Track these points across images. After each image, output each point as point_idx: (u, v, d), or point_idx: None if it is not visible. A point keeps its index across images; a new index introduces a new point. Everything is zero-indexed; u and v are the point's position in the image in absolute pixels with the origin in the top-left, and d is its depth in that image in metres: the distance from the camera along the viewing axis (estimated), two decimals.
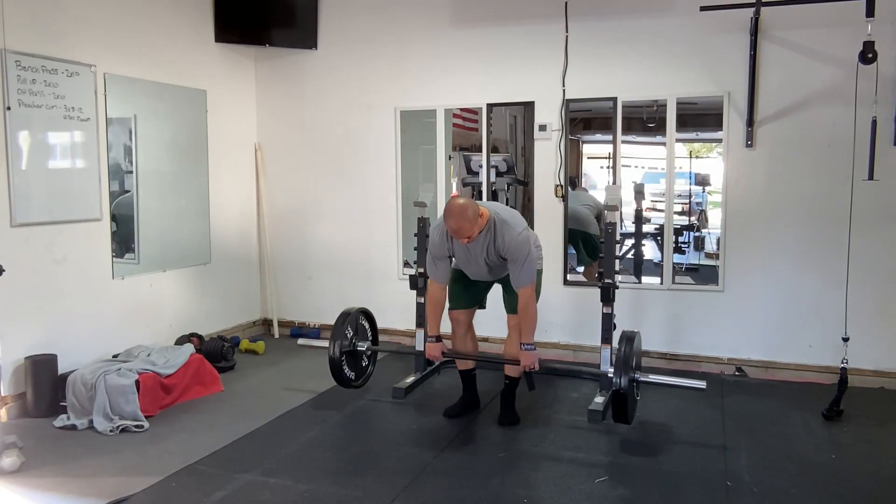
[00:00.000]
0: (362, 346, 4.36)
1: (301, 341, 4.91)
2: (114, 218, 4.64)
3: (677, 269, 5.08)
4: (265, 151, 6.00)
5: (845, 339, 3.96)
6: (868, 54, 3.87)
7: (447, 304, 4.02)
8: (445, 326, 4.15)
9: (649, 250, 5.50)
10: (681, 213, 5.31)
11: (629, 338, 3.69)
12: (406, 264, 5.57)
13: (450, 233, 3.59)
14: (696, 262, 5.40)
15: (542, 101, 5.15)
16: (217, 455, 3.50)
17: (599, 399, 4.12)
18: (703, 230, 5.55)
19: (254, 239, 6.03)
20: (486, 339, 4.73)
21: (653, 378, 3.79)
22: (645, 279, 5.31)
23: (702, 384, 3.69)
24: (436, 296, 3.86)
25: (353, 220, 5.76)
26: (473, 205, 3.53)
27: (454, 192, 5.65)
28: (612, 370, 3.77)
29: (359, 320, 4.41)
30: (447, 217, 3.53)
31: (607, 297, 4.07)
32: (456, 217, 3.48)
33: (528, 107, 5.21)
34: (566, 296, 5.16)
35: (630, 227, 5.46)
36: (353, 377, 4.31)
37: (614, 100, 4.96)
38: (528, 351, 3.71)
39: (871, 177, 3.99)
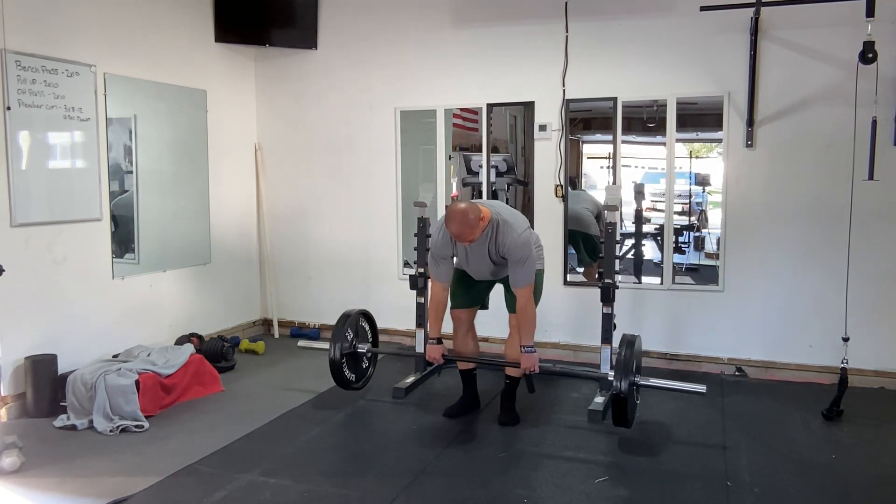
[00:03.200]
0: (363, 349, 4.36)
1: (301, 343, 4.91)
2: (114, 218, 4.64)
3: (677, 269, 5.08)
4: (265, 151, 6.00)
5: (845, 339, 3.96)
6: (868, 54, 3.87)
7: (449, 304, 4.03)
8: (447, 327, 4.15)
9: (649, 250, 5.50)
10: (681, 213, 5.31)
11: (629, 342, 3.69)
12: (406, 264, 5.57)
13: (451, 236, 3.61)
14: (696, 262, 5.40)
15: (542, 101, 5.15)
16: (217, 455, 3.50)
17: (599, 399, 4.12)
18: (703, 230, 5.55)
19: (254, 239, 6.03)
20: (486, 339, 4.72)
21: (653, 382, 3.78)
22: (645, 279, 5.31)
23: (702, 389, 3.68)
24: (438, 296, 3.86)
25: (353, 220, 5.76)
26: (475, 208, 3.53)
27: (454, 191, 5.65)
28: (612, 374, 3.76)
29: (359, 322, 4.41)
30: (448, 222, 3.55)
31: (607, 297, 4.07)
32: (457, 222, 3.50)
33: (528, 107, 5.21)
34: (566, 296, 5.16)
35: (630, 227, 5.46)
36: (354, 379, 4.30)
37: (614, 100, 4.96)
38: (528, 353, 3.71)
39: (871, 177, 3.99)
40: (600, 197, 5.32)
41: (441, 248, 3.78)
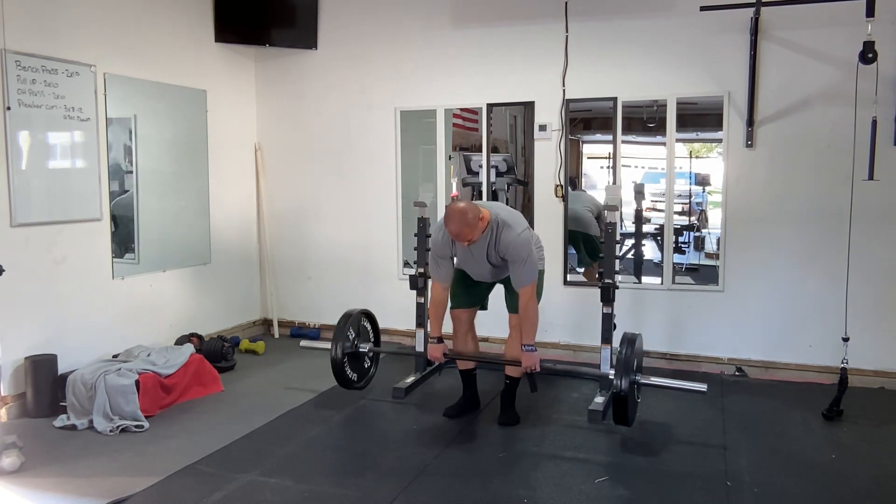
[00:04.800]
0: (364, 348, 4.36)
1: (303, 343, 4.90)
2: (114, 218, 4.64)
3: (677, 270, 5.08)
4: (265, 151, 6.00)
5: (845, 339, 3.96)
6: (868, 54, 3.87)
7: (449, 303, 4.03)
8: (447, 327, 4.15)
9: (649, 250, 5.50)
10: (681, 213, 5.31)
11: (630, 340, 3.69)
12: (406, 264, 5.57)
13: (450, 236, 3.61)
14: (696, 262, 5.40)
15: (542, 101, 5.15)
16: (217, 455, 3.50)
17: (599, 399, 4.12)
18: (703, 230, 5.55)
19: (254, 239, 6.03)
20: (486, 339, 4.73)
21: (654, 380, 3.79)
22: (645, 279, 5.31)
23: (703, 387, 3.69)
24: (438, 296, 3.86)
25: (353, 220, 5.76)
26: (474, 208, 3.53)
27: (454, 191, 5.65)
28: (612, 372, 3.76)
29: (361, 322, 4.41)
30: (447, 221, 3.55)
31: (607, 297, 4.07)
32: (456, 221, 3.49)
33: (528, 107, 5.21)
34: (566, 296, 5.16)
35: (630, 227, 5.46)
36: (356, 378, 4.31)
37: (614, 100, 4.96)
38: (529, 352, 3.70)
39: (871, 177, 3.99)
40: (600, 198, 5.32)
41: (441, 249, 3.78)
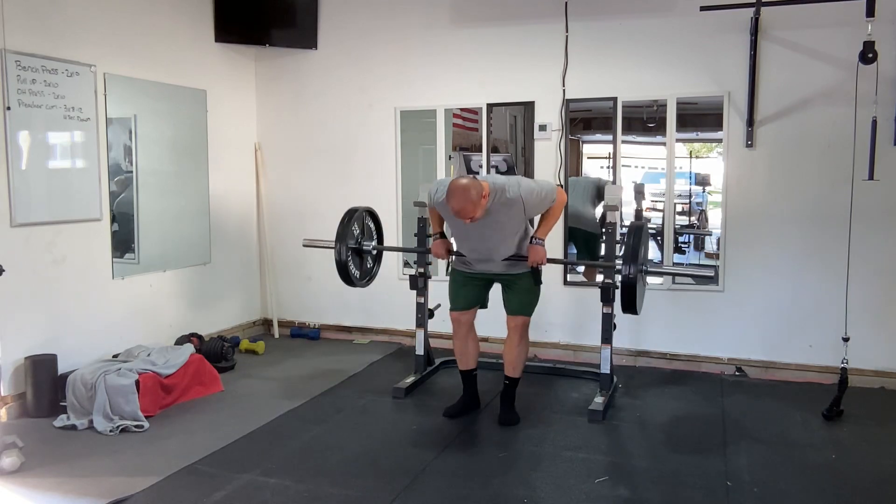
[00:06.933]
0: (368, 246, 4.37)
1: (305, 241, 4.78)
2: (114, 218, 4.64)
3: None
4: (265, 151, 6.00)
5: (845, 339, 3.96)
6: (868, 54, 3.87)
7: (448, 306, 4.03)
8: (447, 327, 4.15)
9: (649, 250, 5.49)
10: (681, 213, 5.31)
11: (637, 228, 3.70)
12: (406, 264, 5.56)
13: (452, 213, 3.54)
14: (696, 261, 5.40)
15: (542, 101, 5.14)
16: (217, 455, 3.50)
17: (599, 399, 4.11)
18: (703, 230, 5.55)
19: (254, 239, 6.03)
20: (486, 339, 4.72)
21: (662, 269, 3.81)
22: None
23: (710, 272, 3.70)
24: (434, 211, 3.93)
25: None
26: (477, 185, 3.46)
27: None
28: (620, 262, 3.77)
29: (364, 220, 4.41)
30: (450, 197, 3.47)
31: (607, 297, 4.07)
32: (459, 198, 3.43)
33: (528, 107, 5.20)
34: (566, 296, 5.16)
35: None
36: (359, 276, 4.33)
37: (614, 100, 4.96)
38: (537, 245, 3.71)
39: (871, 177, 3.99)
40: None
41: (437, 213, 3.82)
